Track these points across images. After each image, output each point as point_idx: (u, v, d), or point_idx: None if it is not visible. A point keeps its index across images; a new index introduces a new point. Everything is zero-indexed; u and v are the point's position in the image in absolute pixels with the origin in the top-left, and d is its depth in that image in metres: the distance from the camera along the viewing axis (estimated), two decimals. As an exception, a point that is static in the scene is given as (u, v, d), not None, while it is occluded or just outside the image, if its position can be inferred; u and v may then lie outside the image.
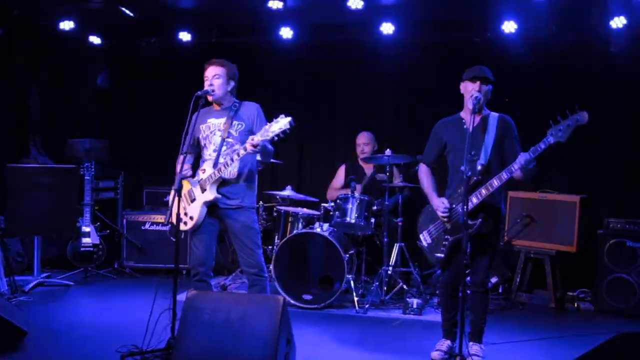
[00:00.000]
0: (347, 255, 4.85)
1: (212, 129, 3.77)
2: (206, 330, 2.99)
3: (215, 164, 3.66)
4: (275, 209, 5.64)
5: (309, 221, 5.44)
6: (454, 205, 3.56)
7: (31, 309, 4.59)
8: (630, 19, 5.01)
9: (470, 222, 3.34)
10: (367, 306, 4.83)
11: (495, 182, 3.41)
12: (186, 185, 3.76)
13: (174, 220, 3.55)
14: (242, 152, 3.54)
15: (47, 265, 5.90)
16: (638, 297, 4.86)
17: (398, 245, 5.21)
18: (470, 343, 3.64)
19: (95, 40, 6.28)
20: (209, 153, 3.75)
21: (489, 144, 3.53)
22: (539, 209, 5.30)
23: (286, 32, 5.87)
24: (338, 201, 5.15)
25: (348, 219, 5.02)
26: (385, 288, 5.02)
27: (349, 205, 5.04)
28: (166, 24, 6.11)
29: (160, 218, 6.02)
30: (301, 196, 5.59)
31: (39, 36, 6.16)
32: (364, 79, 6.32)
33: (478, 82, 3.51)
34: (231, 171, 3.67)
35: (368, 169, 5.83)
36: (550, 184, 5.53)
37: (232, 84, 3.79)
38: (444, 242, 3.59)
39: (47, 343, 3.87)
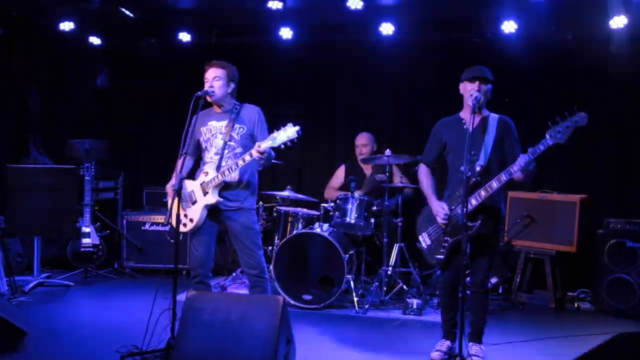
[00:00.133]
0: (347, 256, 4.85)
1: (213, 132, 3.76)
2: (206, 330, 2.99)
3: (218, 168, 3.65)
4: (275, 209, 5.64)
5: (309, 221, 5.44)
6: (453, 207, 3.56)
7: (31, 309, 4.59)
8: (631, 19, 5.01)
9: (469, 223, 3.34)
10: (366, 306, 4.83)
11: (495, 184, 3.40)
12: (186, 187, 3.75)
13: (173, 221, 3.55)
14: (247, 158, 3.54)
15: (47, 266, 5.90)
16: (638, 297, 4.85)
17: (398, 245, 5.21)
18: (470, 343, 3.64)
19: (95, 40, 6.28)
20: (210, 156, 3.75)
21: (489, 145, 3.53)
22: (539, 209, 5.30)
23: (286, 32, 5.88)
24: (338, 201, 5.15)
25: (348, 219, 5.02)
26: (385, 288, 5.02)
27: (349, 206, 5.04)
28: (166, 24, 6.11)
29: (160, 218, 6.02)
30: (301, 196, 5.59)
31: (39, 36, 6.17)
32: (363, 79, 6.32)
33: (477, 82, 3.51)
34: (233, 175, 3.66)
35: (367, 169, 5.84)
36: (550, 184, 5.53)
37: (233, 85, 3.79)
38: (443, 244, 3.59)
39: (47, 343, 3.87)
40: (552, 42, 5.45)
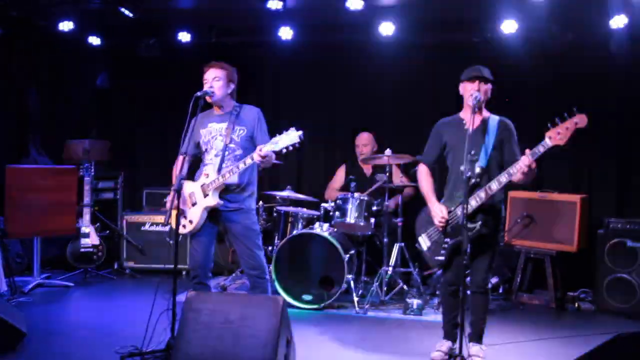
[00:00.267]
0: (347, 256, 4.84)
1: (213, 133, 3.76)
2: (206, 331, 2.98)
3: (219, 169, 3.65)
4: (275, 209, 5.63)
5: (309, 221, 5.43)
6: (452, 208, 3.55)
7: (31, 310, 4.59)
8: (631, 19, 5.00)
9: (469, 225, 3.33)
10: (367, 307, 4.83)
11: (495, 186, 3.40)
12: (186, 188, 3.74)
13: (173, 221, 3.54)
14: (249, 161, 3.54)
15: (46, 266, 5.89)
16: (638, 297, 4.85)
17: (398, 245, 5.20)
18: (471, 343, 3.63)
19: (94, 40, 6.27)
20: (210, 157, 3.74)
21: (489, 146, 3.52)
22: (539, 209, 5.30)
23: (286, 33, 5.87)
24: (338, 201, 5.14)
25: (348, 219, 5.01)
26: (385, 288, 5.02)
27: (349, 206, 5.03)
28: (165, 24, 6.11)
29: (160, 219, 6.02)
30: (301, 196, 5.58)
31: (39, 36, 6.16)
32: (363, 79, 6.31)
33: (477, 82, 3.51)
34: (233, 177, 3.66)
35: (367, 169, 5.83)
36: (550, 184, 5.52)
37: (232, 86, 3.79)
38: (443, 245, 3.58)
39: (47, 344, 3.86)
40: (552, 42, 5.44)
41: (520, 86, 5.72)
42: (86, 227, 5.73)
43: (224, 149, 3.69)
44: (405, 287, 5.07)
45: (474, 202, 3.41)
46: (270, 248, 5.43)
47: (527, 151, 3.30)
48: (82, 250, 5.69)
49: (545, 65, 5.69)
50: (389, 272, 5.07)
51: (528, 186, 5.27)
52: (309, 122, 6.40)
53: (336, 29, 5.93)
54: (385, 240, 5.12)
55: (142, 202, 6.44)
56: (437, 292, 4.96)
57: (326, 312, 4.81)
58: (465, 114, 3.61)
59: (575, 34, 5.34)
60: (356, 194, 5.06)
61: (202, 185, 3.68)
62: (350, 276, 4.88)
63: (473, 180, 3.42)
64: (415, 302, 4.80)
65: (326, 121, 6.54)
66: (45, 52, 6.44)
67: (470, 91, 3.50)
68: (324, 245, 4.89)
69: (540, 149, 3.23)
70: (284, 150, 3.44)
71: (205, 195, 3.67)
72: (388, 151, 5.09)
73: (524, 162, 3.26)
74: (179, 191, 3.55)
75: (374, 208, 5.09)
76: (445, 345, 3.74)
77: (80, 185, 5.71)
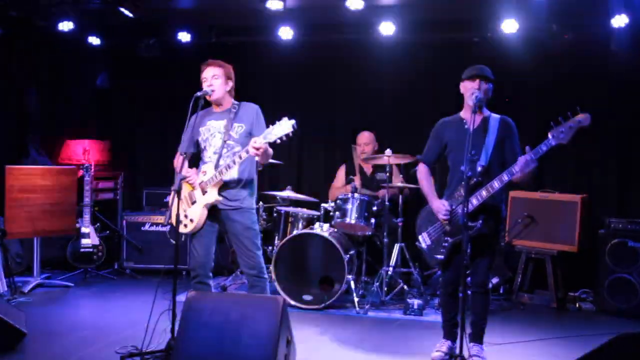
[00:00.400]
0: (347, 256, 4.83)
1: (212, 131, 3.75)
2: (206, 331, 2.98)
3: (216, 166, 3.64)
4: (275, 209, 5.63)
5: (309, 222, 5.43)
6: (453, 207, 3.54)
7: (31, 310, 4.57)
8: (631, 18, 4.99)
9: (470, 223, 3.32)
10: (367, 307, 4.82)
11: (496, 184, 3.39)
12: (186, 187, 3.74)
13: (173, 221, 3.54)
14: (244, 154, 3.52)
15: (47, 266, 5.88)
16: (639, 297, 4.84)
17: (398, 245, 5.20)
18: (471, 344, 3.62)
19: (94, 40, 6.27)
20: (208, 155, 3.74)
21: (490, 145, 3.51)
22: (540, 209, 5.29)
23: (286, 32, 5.87)
24: (338, 201, 5.14)
25: (348, 219, 5.00)
26: (385, 289, 5.01)
27: (349, 206, 5.03)
28: (165, 24, 6.10)
29: (160, 219, 6.02)
30: (301, 196, 5.57)
31: (39, 37, 6.16)
32: (363, 78, 6.31)
33: (477, 80, 3.50)
34: (231, 173, 3.65)
35: (368, 168, 5.83)
36: (551, 184, 5.52)
37: (231, 84, 3.79)
38: (443, 244, 3.58)
39: (47, 344, 3.86)
40: (552, 41, 5.43)
41: (520, 86, 5.72)
42: (86, 227, 5.73)
43: (222, 146, 3.68)
44: (405, 287, 5.07)
45: (475, 201, 3.40)
46: (270, 248, 5.43)
47: (527, 148, 3.29)
48: (82, 250, 5.68)
49: (545, 65, 5.68)
50: (390, 272, 5.06)
51: (529, 186, 5.29)
52: (309, 122, 6.43)
53: (336, 29, 5.93)
54: (386, 240, 5.11)
55: (142, 202, 6.44)
56: (438, 292, 4.95)
57: (326, 312, 4.80)
58: (465, 114, 3.61)
59: (575, 34, 5.33)
60: (356, 195, 5.05)
61: (200, 183, 3.68)
62: (350, 276, 4.87)
63: (474, 180, 3.42)
64: (415, 302, 4.79)
65: (326, 121, 6.54)
66: (45, 52, 6.44)
67: (471, 90, 3.50)
68: (324, 246, 4.89)
69: (544, 147, 3.23)
70: (278, 141, 3.42)
71: (204, 193, 3.66)
72: (388, 151, 5.08)
73: (525, 159, 3.25)
74: (179, 191, 3.54)
75: (374, 208, 5.08)
76: (446, 345, 3.73)
77: (80, 186, 5.70)
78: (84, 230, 5.71)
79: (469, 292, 3.70)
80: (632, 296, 4.87)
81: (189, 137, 3.70)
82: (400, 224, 5.18)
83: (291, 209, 5.48)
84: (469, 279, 3.73)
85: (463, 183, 3.27)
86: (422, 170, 3.77)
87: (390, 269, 5.09)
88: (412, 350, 3.94)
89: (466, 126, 3.50)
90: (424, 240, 3.71)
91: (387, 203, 5.11)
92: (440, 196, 3.68)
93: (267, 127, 3.70)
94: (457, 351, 3.28)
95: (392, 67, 6.09)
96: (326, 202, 5.42)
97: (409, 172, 5.55)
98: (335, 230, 5.10)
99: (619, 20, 5.01)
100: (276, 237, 5.46)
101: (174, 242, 3.53)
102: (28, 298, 4.98)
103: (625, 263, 4.93)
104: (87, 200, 5.73)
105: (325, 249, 4.89)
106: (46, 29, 5.90)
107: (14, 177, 5.24)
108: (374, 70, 6.20)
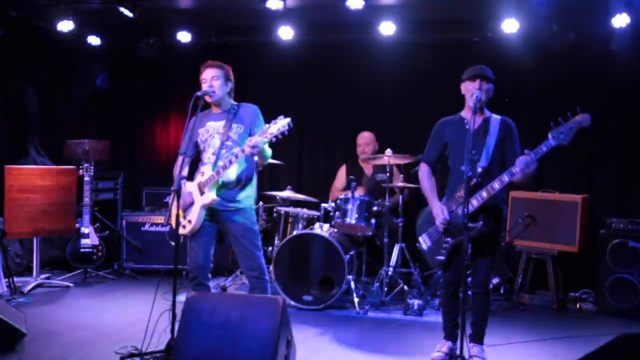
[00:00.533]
0: (348, 256, 4.83)
1: (210, 132, 3.75)
2: (206, 331, 2.97)
3: (214, 167, 3.64)
4: (275, 209, 5.62)
5: (309, 222, 5.42)
6: (454, 208, 3.54)
7: (30, 310, 4.56)
8: (632, 18, 4.98)
9: (470, 224, 3.32)
10: (367, 307, 4.81)
11: (496, 185, 3.38)
12: (185, 188, 3.73)
13: (173, 222, 3.53)
14: (240, 153, 3.52)
15: (46, 267, 5.88)
16: (640, 297, 4.84)
17: (398, 245, 5.19)
18: (472, 344, 3.62)
19: (94, 40, 6.27)
20: (207, 156, 3.73)
21: (490, 146, 3.51)
22: (540, 209, 5.28)
23: (286, 32, 5.86)
24: (338, 202, 5.13)
25: (348, 219, 4.99)
26: (385, 289, 5.00)
27: (349, 206, 5.02)
28: (166, 24, 6.10)
29: (159, 219, 6.01)
30: (301, 197, 5.57)
31: (38, 37, 6.16)
32: (363, 78, 6.30)
33: (478, 81, 3.50)
34: (230, 174, 3.64)
35: (368, 169, 5.82)
36: (551, 184, 5.51)
37: (230, 85, 3.78)
38: (444, 245, 3.57)
39: (46, 344, 3.85)
40: (553, 41, 5.42)
41: (520, 86, 5.71)
42: (86, 227, 5.72)
43: (220, 147, 3.68)
44: (405, 287, 5.06)
45: (475, 202, 3.39)
46: (270, 248, 5.42)
47: (527, 150, 3.29)
48: (82, 250, 5.68)
49: (545, 65, 5.68)
50: (390, 273, 5.05)
51: (529, 186, 5.28)
52: (309, 122, 6.43)
53: (336, 29, 5.93)
54: (386, 240, 5.10)
55: (142, 203, 6.43)
56: (438, 293, 4.95)
57: (326, 313, 4.79)
58: (466, 113, 3.60)
59: (576, 34, 5.32)
60: (357, 194, 5.04)
61: (198, 184, 3.67)
62: (350, 276, 4.87)
63: (474, 180, 3.41)
64: (415, 302, 4.78)
65: (326, 121, 6.54)
66: (45, 52, 6.43)
67: (472, 90, 3.49)
68: (324, 246, 4.88)
69: (544, 148, 3.22)
70: (274, 139, 3.42)
71: (202, 193, 3.65)
72: (388, 151, 5.08)
73: (526, 160, 3.24)
74: (178, 192, 3.54)
75: (375, 208, 5.08)
76: (446, 345, 3.72)
77: (80, 186, 5.69)
78: (83, 230, 5.71)
79: (470, 292, 3.69)
80: (632, 296, 4.86)
81: (189, 139, 3.69)
82: (400, 224, 5.18)
83: (291, 209, 5.47)
84: (469, 279, 3.73)
85: (464, 184, 3.26)
86: (423, 170, 3.76)
87: (391, 269, 5.08)
88: (412, 350, 3.94)
89: (467, 126, 3.49)
90: (424, 242, 3.70)
91: (387, 203, 5.10)
92: (440, 196, 3.67)
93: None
94: (458, 352, 3.27)
95: (392, 67, 6.08)
96: (326, 202, 5.41)
97: (409, 172, 5.54)
98: (336, 230, 5.09)
99: (620, 20, 5.00)
100: (276, 238, 5.46)
101: (172, 242, 3.53)
102: (28, 298, 4.98)
103: (626, 263, 4.92)
104: (86, 200, 5.72)
105: (325, 250, 4.89)
106: (46, 29, 5.90)
107: (14, 177, 5.23)
108: (374, 70, 6.19)
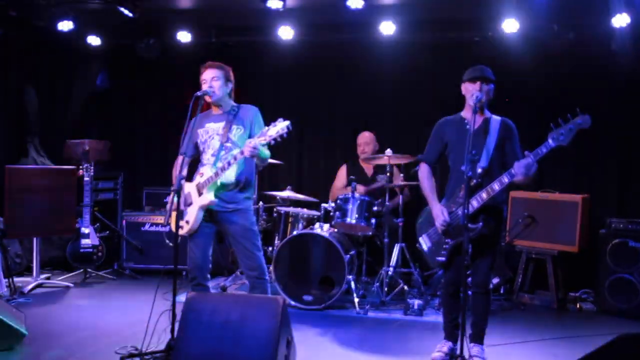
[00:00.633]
0: (348, 256, 4.83)
1: (210, 133, 3.75)
2: (206, 331, 2.97)
3: (213, 168, 3.64)
4: (275, 209, 5.62)
5: (309, 222, 5.42)
6: (453, 209, 3.54)
7: (30, 311, 4.55)
8: (633, 18, 4.98)
9: (470, 225, 3.32)
10: (367, 307, 4.81)
11: (496, 186, 3.38)
12: (184, 189, 3.72)
13: (172, 222, 3.53)
14: (239, 155, 3.52)
15: (46, 267, 5.88)
16: (640, 297, 4.84)
17: (399, 245, 5.19)
18: (472, 344, 3.61)
19: (94, 40, 6.26)
20: (207, 157, 3.73)
21: (491, 147, 3.51)
22: (540, 209, 5.28)
23: (286, 32, 5.86)
24: (338, 202, 5.13)
25: (348, 219, 4.99)
26: (386, 289, 5.00)
27: (349, 206, 5.02)
28: (165, 24, 6.10)
29: (160, 219, 6.01)
30: (301, 197, 5.57)
31: (38, 37, 6.15)
32: (363, 78, 6.30)
33: (478, 83, 3.50)
34: (229, 175, 3.64)
35: (368, 169, 5.82)
36: (551, 184, 5.51)
37: (230, 85, 3.78)
38: (444, 245, 3.57)
39: (46, 344, 3.85)
40: (553, 41, 5.42)
41: (520, 86, 5.71)
42: (86, 227, 5.72)
43: (219, 148, 3.68)
44: (406, 287, 5.06)
45: (475, 203, 3.39)
46: (270, 248, 5.42)
47: (526, 152, 3.29)
48: (82, 250, 5.68)
49: (545, 65, 5.68)
50: (390, 273, 5.05)
51: (529, 186, 5.28)
52: (309, 122, 6.43)
53: (336, 29, 5.93)
54: (386, 240, 5.10)
55: (142, 203, 6.43)
56: (438, 293, 4.95)
57: (327, 313, 4.79)
58: (466, 114, 3.60)
59: (576, 34, 5.32)
60: (357, 194, 5.04)
61: (197, 185, 3.67)
62: (350, 276, 4.87)
63: (474, 181, 3.41)
64: (416, 302, 4.78)
65: (326, 121, 6.54)
66: (45, 52, 6.42)
67: (472, 91, 3.49)
68: (324, 246, 4.88)
69: (543, 149, 3.22)
70: (273, 142, 3.43)
71: (200, 194, 3.65)
72: (389, 151, 5.08)
73: (526, 161, 3.25)
74: (178, 192, 3.54)
75: (375, 208, 5.08)
76: (446, 346, 3.72)
77: (80, 186, 5.69)
78: (83, 230, 5.71)
79: (470, 292, 3.69)
80: (632, 296, 4.86)
81: (188, 140, 3.69)
82: (400, 224, 5.18)
83: (291, 209, 5.47)
84: (469, 279, 3.72)
85: (463, 184, 3.26)
86: (423, 170, 3.75)
87: (391, 269, 5.08)
88: (412, 350, 3.94)
89: (467, 126, 3.49)
90: (424, 242, 3.70)
91: (387, 203, 5.10)
92: (440, 196, 3.67)
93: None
94: (458, 352, 3.27)
95: (392, 67, 6.08)
96: (326, 202, 5.41)
97: (409, 172, 5.54)
98: (336, 230, 5.09)
99: (620, 20, 5.00)
100: (276, 238, 5.46)
101: (170, 243, 3.53)
102: (28, 298, 4.97)
103: (626, 263, 4.92)
104: (86, 200, 5.72)
105: (325, 249, 4.89)
106: (46, 28, 5.89)
107: (14, 177, 5.23)
108: (374, 70, 6.19)
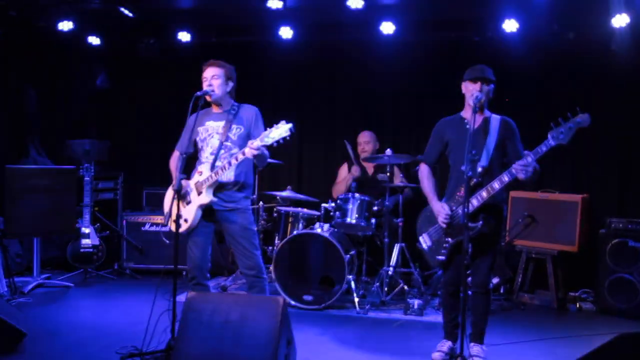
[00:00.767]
0: (348, 256, 4.83)
1: (210, 131, 3.75)
2: (206, 331, 2.97)
3: (212, 167, 3.64)
4: (275, 209, 5.62)
5: (310, 221, 5.43)
6: (454, 208, 3.54)
7: (31, 311, 4.58)
8: (632, 18, 4.98)
9: (470, 224, 3.32)
10: (367, 307, 4.82)
11: (496, 185, 3.39)
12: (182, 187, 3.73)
13: (172, 223, 3.53)
14: (240, 156, 3.52)
15: (47, 267, 5.88)
16: (640, 297, 4.84)
17: (399, 245, 5.19)
18: (472, 344, 3.62)
19: (94, 40, 6.27)
20: (205, 156, 3.73)
21: (491, 146, 3.51)
22: (540, 209, 5.29)
23: (286, 32, 5.87)
24: (338, 201, 5.13)
25: (348, 219, 5.00)
26: (386, 289, 5.00)
27: (350, 206, 5.02)
28: (165, 24, 6.10)
29: (160, 219, 6.01)
30: (301, 196, 5.57)
31: (38, 37, 6.15)
32: (363, 78, 6.31)
33: (479, 83, 3.50)
34: (228, 175, 3.65)
35: (369, 168, 5.82)
36: (551, 184, 5.51)
37: (231, 84, 3.78)
38: (444, 245, 3.57)
39: (47, 344, 3.85)
40: (553, 41, 5.43)
41: (520, 86, 5.71)
42: (86, 227, 5.72)
43: (219, 147, 3.68)
44: (406, 287, 5.06)
45: (475, 202, 3.39)
46: (270, 248, 5.43)
47: (527, 152, 3.29)
48: (82, 250, 5.68)
49: (546, 65, 5.68)
50: (390, 272, 5.06)
51: (529, 186, 5.28)
52: (309, 122, 6.43)
53: (337, 28, 5.93)
54: (386, 240, 5.10)
55: (142, 203, 6.43)
56: (438, 293, 4.95)
57: (327, 313, 4.79)
58: (466, 113, 3.60)
59: (576, 33, 5.32)
60: (357, 194, 5.05)
61: (195, 183, 3.67)
62: (350, 276, 4.87)
63: (475, 180, 3.41)
64: (416, 302, 4.79)
65: (326, 121, 6.53)
66: (45, 52, 6.43)
67: (472, 91, 3.50)
68: (325, 246, 4.88)
69: (543, 148, 3.22)
70: (275, 144, 3.43)
71: (199, 193, 3.66)
72: (389, 151, 5.08)
73: (525, 160, 3.25)
74: (179, 191, 3.54)
75: (375, 208, 5.08)
76: (446, 345, 3.72)
77: (80, 186, 5.70)
78: (84, 230, 5.71)
79: (470, 292, 3.69)
80: (632, 296, 4.87)
81: (188, 137, 3.70)
82: (400, 224, 5.18)
83: (291, 209, 5.47)
84: (469, 279, 3.73)
85: (464, 184, 3.26)
86: (423, 171, 3.76)
87: (391, 269, 5.08)
88: (412, 350, 3.94)
89: (467, 126, 3.50)
90: (424, 241, 3.71)
91: (387, 203, 5.11)
92: (441, 196, 3.67)
93: (266, 129, 3.71)
94: (458, 351, 3.28)
95: (393, 67, 6.08)
96: (326, 202, 5.42)
97: (409, 172, 5.55)
98: (336, 230, 5.10)
99: (620, 20, 5.00)
100: (276, 237, 5.46)
101: (167, 241, 3.54)
102: (28, 298, 4.98)
103: (626, 263, 4.93)
104: (87, 200, 5.73)
105: (325, 249, 4.89)
106: (46, 29, 5.90)
107: (14, 177, 5.23)
108: (374, 70, 6.19)
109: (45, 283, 5.41)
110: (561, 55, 5.54)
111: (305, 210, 5.47)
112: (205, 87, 3.70)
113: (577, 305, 5.18)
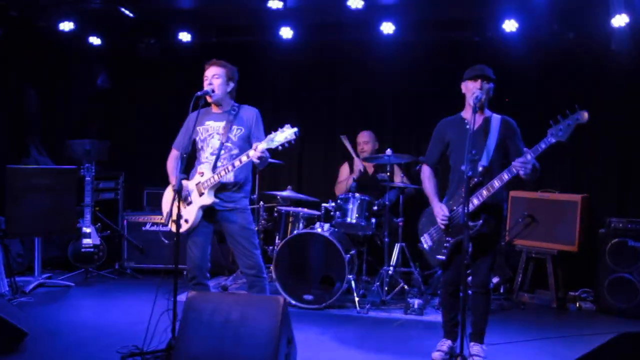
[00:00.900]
0: (348, 256, 4.84)
1: (210, 131, 3.75)
2: (206, 331, 2.98)
3: (214, 168, 3.64)
4: (275, 209, 5.63)
5: (310, 221, 5.43)
6: (454, 207, 3.55)
7: (32, 310, 4.59)
8: (632, 18, 4.99)
9: (470, 223, 3.33)
10: (368, 306, 4.82)
11: (497, 183, 3.39)
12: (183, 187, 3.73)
13: (172, 223, 3.54)
14: (244, 159, 3.53)
15: (48, 266, 5.89)
16: (640, 296, 4.85)
17: (399, 245, 5.20)
18: (472, 343, 3.63)
19: (95, 40, 6.27)
20: (205, 156, 3.74)
21: (491, 146, 3.52)
22: (540, 209, 5.29)
23: (286, 32, 5.87)
24: (339, 201, 5.14)
25: (349, 219, 5.01)
26: (386, 288, 5.01)
27: (350, 205, 5.03)
28: (166, 24, 6.10)
29: (160, 219, 6.02)
30: (302, 196, 5.58)
31: (39, 37, 6.16)
32: (363, 78, 6.31)
33: (479, 81, 3.51)
34: (229, 176, 3.65)
35: (369, 168, 5.83)
36: (551, 184, 5.52)
37: (232, 85, 3.78)
38: (445, 244, 3.58)
39: (48, 344, 3.86)
40: (553, 41, 5.43)
41: (520, 86, 5.71)
42: (87, 227, 5.73)
43: (220, 148, 3.68)
44: (406, 286, 5.07)
45: (476, 200, 3.40)
46: (271, 248, 5.43)
47: (526, 150, 3.30)
48: (83, 250, 5.69)
49: (546, 64, 5.68)
50: (390, 272, 5.06)
51: (529, 185, 5.29)
52: (309, 122, 6.43)
53: (337, 28, 5.93)
54: (386, 240, 5.11)
55: (143, 202, 6.44)
56: (438, 292, 4.96)
57: (327, 312, 4.80)
58: (467, 113, 3.61)
59: (576, 33, 5.33)
60: (357, 194, 5.05)
61: (197, 184, 3.68)
62: (351, 276, 4.88)
63: (476, 179, 3.42)
64: (416, 301, 4.79)
65: (326, 121, 6.54)
66: (46, 52, 6.43)
67: (473, 90, 3.50)
68: (325, 245, 4.89)
69: (543, 145, 3.23)
70: (280, 147, 3.44)
71: (201, 194, 3.66)
72: (389, 151, 5.08)
73: (525, 157, 3.26)
74: (179, 192, 3.55)
75: (375, 208, 5.09)
76: (446, 344, 3.73)
77: (81, 186, 5.70)
78: (85, 230, 5.72)
79: (470, 291, 3.70)
80: (632, 296, 4.87)
81: (188, 136, 3.70)
82: (400, 223, 5.19)
83: (292, 209, 5.48)
84: (469, 278, 3.73)
85: (464, 183, 3.27)
86: (424, 172, 3.77)
87: (391, 268, 5.09)
88: (412, 349, 3.95)
89: (467, 126, 3.50)
90: (425, 241, 3.72)
91: (387, 203, 5.11)
92: (442, 196, 3.68)
93: (265, 130, 3.72)
94: (458, 350, 3.28)
95: (393, 67, 6.09)
96: (327, 201, 5.42)
97: (410, 171, 5.56)
98: (336, 229, 5.10)
99: (619, 20, 5.00)
100: (277, 237, 5.47)
101: (166, 241, 3.55)
102: (29, 298, 4.99)
103: (626, 262, 4.93)
104: (87, 200, 5.74)
105: (325, 249, 4.90)
106: (46, 29, 5.90)
107: (15, 177, 5.24)
108: (374, 70, 6.20)
109: (46, 283, 5.41)
110: (561, 55, 5.54)
111: (305, 210, 5.48)
112: (206, 86, 3.71)
113: (577, 305, 5.19)
